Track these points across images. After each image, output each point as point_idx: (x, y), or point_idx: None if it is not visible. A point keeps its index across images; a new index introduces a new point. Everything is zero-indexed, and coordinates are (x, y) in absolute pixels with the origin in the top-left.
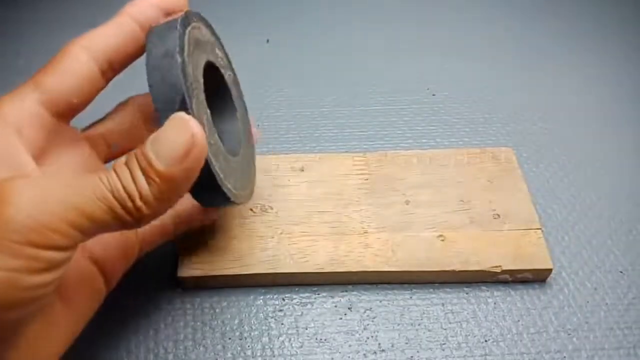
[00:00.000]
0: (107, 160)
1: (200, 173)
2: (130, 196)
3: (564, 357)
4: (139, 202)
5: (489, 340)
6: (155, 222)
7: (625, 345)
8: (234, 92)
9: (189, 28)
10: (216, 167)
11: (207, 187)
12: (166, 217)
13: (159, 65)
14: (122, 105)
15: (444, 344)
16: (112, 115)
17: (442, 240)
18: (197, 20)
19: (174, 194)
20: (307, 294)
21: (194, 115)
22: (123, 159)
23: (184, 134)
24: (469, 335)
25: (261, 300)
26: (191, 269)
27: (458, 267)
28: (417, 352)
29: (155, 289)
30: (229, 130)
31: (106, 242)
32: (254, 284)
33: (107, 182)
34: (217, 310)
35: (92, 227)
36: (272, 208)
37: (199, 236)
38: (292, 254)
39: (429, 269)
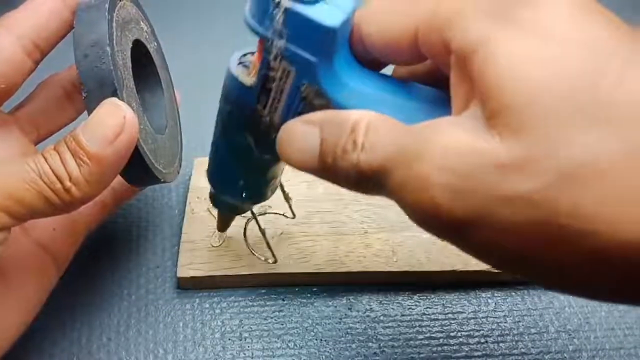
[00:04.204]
0: (36, 143)
1: (131, 156)
2: (59, 178)
3: (565, 357)
4: (68, 184)
5: (489, 340)
6: (95, 199)
7: (625, 346)
8: (158, 62)
9: (116, 9)
10: (146, 150)
11: (138, 170)
12: (104, 193)
13: (89, 54)
14: (44, 84)
15: (444, 344)
16: (36, 96)
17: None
18: None
19: (105, 175)
20: (307, 294)
21: None
22: (52, 144)
23: (115, 117)
24: (469, 335)
25: (261, 300)
26: (191, 269)
27: (458, 267)
28: (418, 352)
29: (154, 289)
30: (155, 103)
31: (52, 225)
32: (254, 284)
33: (34, 165)
34: (217, 310)
35: (23, 211)
36: (272, 208)
37: (199, 236)
38: (292, 254)
39: (430, 270)
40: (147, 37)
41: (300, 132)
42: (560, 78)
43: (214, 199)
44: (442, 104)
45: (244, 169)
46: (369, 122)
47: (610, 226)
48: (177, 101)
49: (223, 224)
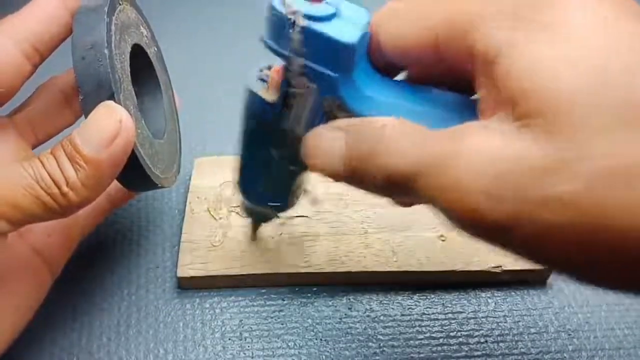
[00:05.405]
0: (35, 146)
1: (128, 160)
2: (56, 183)
3: (565, 357)
4: (65, 189)
5: (489, 340)
6: (91, 204)
7: (625, 346)
8: (157, 67)
9: (115, 13)
10: (143, 154)
11: (135, 174)
12: (100, 198)
13: (86, 57)
14: (43, 87)
15: (444, 344)
16: (34, 99)
17: (443, 240)
18: (122, 1)
19: (101, 179)
20: (307, 294)
21: None
22: (49, 148)
23: (111, 120)
24: (469, 335)
25: (261, 300)
26: (191, 269)
27: (459, 267)
28: (418, 352)
29: (154, 289)
30: (154, 108)
31: (47, 231)
32: (254, 284)
33: (31, 170)
34: (217, 310)
35: (20, 217)
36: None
37: (199, 236)
38: (292, 254)
39: (430, 270)
40: (147, 41)
41: (326, 137)
42: (592, 79)
43: (246, 209)
44: (463, 108)
45: (271, 181)
46: (394, 126)
47: None
48: (178, 106)
49: (254, 233)
